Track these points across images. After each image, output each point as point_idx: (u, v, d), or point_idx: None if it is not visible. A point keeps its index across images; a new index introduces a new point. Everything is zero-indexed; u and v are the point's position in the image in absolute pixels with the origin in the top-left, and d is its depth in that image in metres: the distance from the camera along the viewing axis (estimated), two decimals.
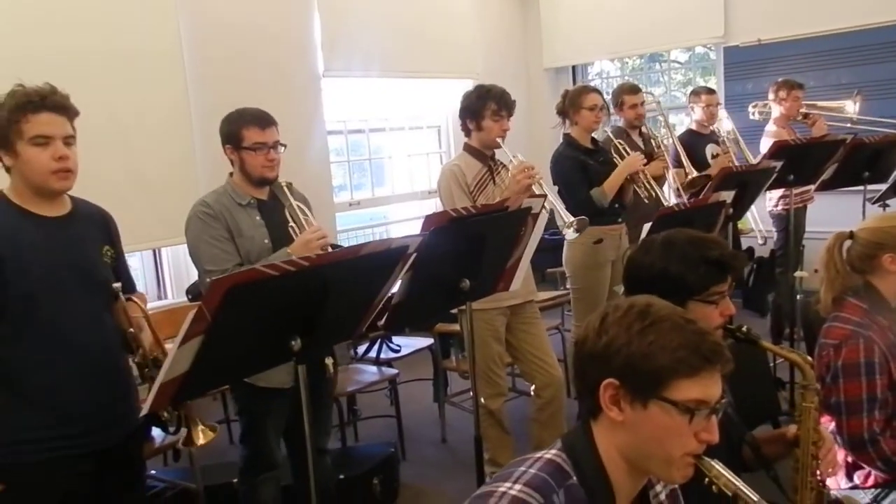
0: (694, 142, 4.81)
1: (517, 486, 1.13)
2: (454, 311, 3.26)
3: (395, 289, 2.01)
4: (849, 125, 4.89)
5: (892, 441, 2.00)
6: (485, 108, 3.19)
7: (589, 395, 1.18)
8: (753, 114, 5.21)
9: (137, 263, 4.52)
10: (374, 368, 4.01)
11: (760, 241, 5.03)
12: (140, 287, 3.78)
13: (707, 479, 1.16)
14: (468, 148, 3.30)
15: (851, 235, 2.16)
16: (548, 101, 6.77)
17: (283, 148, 2.47)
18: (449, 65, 6.25)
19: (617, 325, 1.15)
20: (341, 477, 3.08)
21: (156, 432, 2.74)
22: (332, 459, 2.86)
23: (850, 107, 4.86)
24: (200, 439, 2.01)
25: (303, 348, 1.64)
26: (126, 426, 2.07)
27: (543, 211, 2.40)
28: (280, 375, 2.30)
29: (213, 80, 4.43)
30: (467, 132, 3.31)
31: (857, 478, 2.09)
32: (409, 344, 4.22)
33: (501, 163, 3.37)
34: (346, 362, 3.96)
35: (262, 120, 2.44)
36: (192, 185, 4.14)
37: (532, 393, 3.37)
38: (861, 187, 4.24)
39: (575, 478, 1.17)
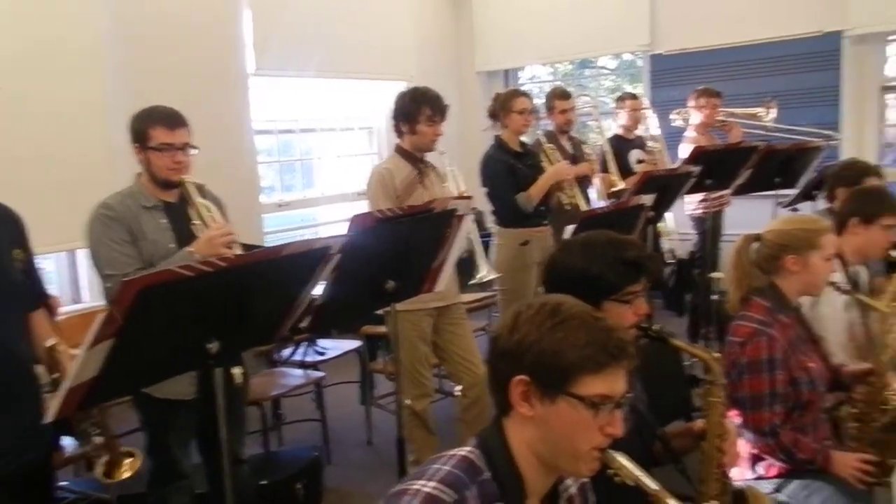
0: (619, 147, 4.96)
1: (431, 484, 1.15)
2: (381, 312, 3.27)
3: (319, 290, 2.00)
4: (762, 132, 5.10)
5: (791, 433, 2.11)
6: (419, 112, 3.19)
7: (501, 392, 1.21)
8: (675, 120, 5.40)
9: (52, 266, 4.34)
10: (299, 372, 3.97)
11: (667, 247, 5.20)
12: (55, 291, 3.64)
13: (611, 471, 1.20)
14: (400, 150, 3.31)
15: (758, 238, 2.26)
16: (480, 103, 6.83)
17: (194, 150, 2.36)
18: (382, 66, 6.24)
19: (529, 323, 1.19)
20: (263, 483, 3.04)
21: (67, 441, 2.63)
22: (253, 465, 2.82)
23: (765, 114, 5.08)
24: (126, 472, 1.94)
25: (220, 351, 1.61)
26: (35, 445, 1.94)
27: (468, 213, 2.42)
28: (180, 386, 2.23)
29: (134, 75, 4.27)
30: (400, 134, 3.32)
31: (761, 468, 2.18)
32: (336, 346, 4.19)
33: (431, 165, 3.39)
34: (257, 371, 3.88)
35: (172, 119, 2.33)
36: (109, 184, 3.93)
37: (458, 393, 3.40)
38: (773, 192, 4.46)
39: (488, 473, 1.20)
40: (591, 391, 1.15)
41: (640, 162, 5.01)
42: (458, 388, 3.40)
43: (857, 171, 3.34)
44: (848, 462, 2.14)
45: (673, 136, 5.30)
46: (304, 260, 1.77)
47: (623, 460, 1.18)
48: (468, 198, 2.44)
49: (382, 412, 4.20)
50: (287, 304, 1.83)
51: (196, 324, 1.58)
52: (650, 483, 1.16)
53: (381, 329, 3.87)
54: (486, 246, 4.08)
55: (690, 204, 5.04)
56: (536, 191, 3.77)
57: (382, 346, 4.17)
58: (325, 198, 6.30)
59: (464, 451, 1.23)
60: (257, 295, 1.63)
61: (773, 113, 5.06)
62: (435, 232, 2.32)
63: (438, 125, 3.25)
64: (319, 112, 6.19)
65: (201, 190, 2.40)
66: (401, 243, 2.17)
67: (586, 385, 1.15)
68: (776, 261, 2.19)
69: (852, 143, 5.43)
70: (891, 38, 5.64)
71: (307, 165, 6.47)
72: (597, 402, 1.14)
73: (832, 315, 2.64)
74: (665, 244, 5.62)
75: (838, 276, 2.49)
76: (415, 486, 1.15)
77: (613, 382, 1.16)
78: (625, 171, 4.79)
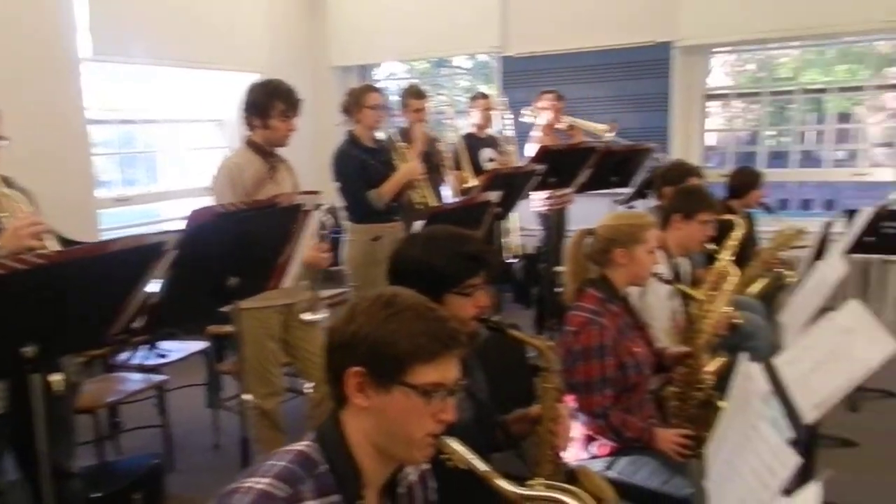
0: (472, 145, 5.10)
1: (265, 480, 1.13)
2: (227, 311, 3.17)
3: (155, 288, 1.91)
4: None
5: (619, 414, 2.27)
6: (272, 106, 3.09)
7: (337, 384, 1.22)
8: (525, 115, 5.59)
9: None
10: (138, 376, 3.75)
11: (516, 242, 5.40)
12: None
13: (444, 456, 1.24)
14: (251, 144, 3.19)
15: (591, 232, 2.41)
16: (334, 99, 6.68)
17: (4, 141, 2.17)
18: (232, 57, 6.02)
19: (364, 315, 1.20)
20: (97, 496, 2.84)
21: None
22: (85, 478, 2.64)
23: (607, 132, 5.34)
24: None
25: (38, 356, 1.49)
26: None
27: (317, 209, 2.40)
28: None
29: None
30: (251, 128, 3.20)
31: (594, 448, 2.33)
32: (179, 348, 4.01)
33: (282, 159, 3.32)
34: (90, 377, 3.64)
35: None
36: None
37: (308, 391, 3.36)
38: (611, 190, 4.76)
39: (325, 466, 1.20)
40: (425, 380, 1.18)
41: (490, 160, 5.17)
42: (309, 385, 3.36)
43: (681, 172, 3.64)
44: (669, 438, 2.33)
45: (525, 136, 5.51)
46: (135, 256, 1.68)
47: (455, 445, 1.22)
48: (315, 193, 2.40)
49: (231, 414, 4.06)
50: (116, 303, 1.73)
51: (8, 325, 1.45)
52: (481, 465, 1.21)
53: (228, 328, 3.75)
54: (337, 242, 4.08)
55: (536, 201, 5.27)
56: (388, 189, 3.79)
57: (230, 346, 4.03)
58: (171, 193, 6.00)
59: (300, 445, 1.23)
60: (81, 294, 1.52)
61: (613, 134, 5.31)
62: (280, 227, 2.27)
63: (292, 120, 3.17)
64: (165, 102, 5.89)
65: (8, 181, 2.20)
66: (243, 239, 2.11)
67: (419, 374, 1.18)
68: (606, 254, 2.35)
69: (680, 147, 5.90)
70: (715, 50, 6.19)
71: (151, 159, 6.13)
72: (430, 391, 1.18)
73: (657, 303, 2.86)
74: (513, 239, 5.87)
75: (662, 268, 2.70)
76: (247, 484, 1.13)
77: (446, 370, 1.20)
78: (477, 169, 4.93)
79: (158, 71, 5.64)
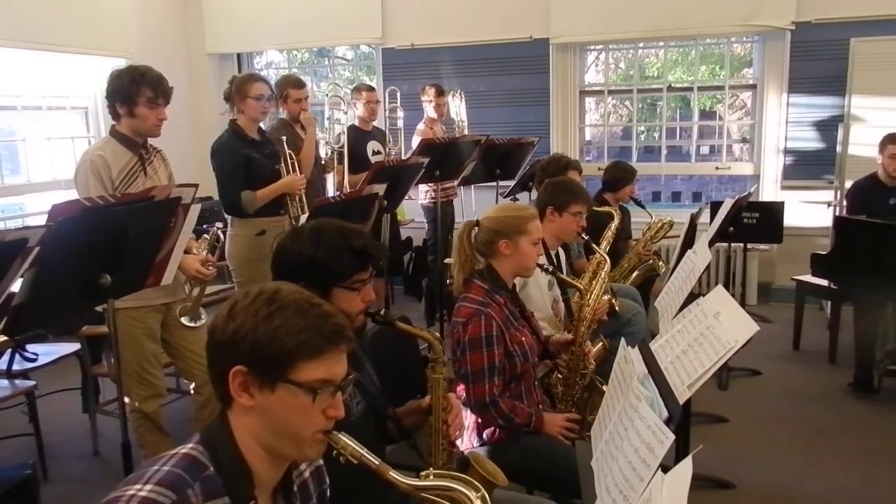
0: (356, 138, 5.02)
1: (147, 487, 1.08)
2: (101, 310, 3.00)
3: (16, 288, 1.77)
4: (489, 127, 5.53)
5: (508, 401, 2.33)
6: (139, 93, 2.90)
7: (221, 384, 1.18)
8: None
9: None
10: (4, 382, 3.48)
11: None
12: None
13: (335, 451, 1.22)
14: (116, 134, 2.98)
15: (477, 224, 2.45)
16: (212, 87, 6.54)
17: None
18: (97, 40, 5.68)
19: (245, 312, 1.16)
20: None
21: None
22: None
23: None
24: None
25: None
26: None
27: (195, 203, 2.30)
28: None
29: None
30: (116, 117, 3.00)
31: (486, 436, 2.38)
32: (50, 351, 3.75)
33: (156, 149, 3.14)
34: None
35: None
36: None
37: (192, 391, 3.23)
38: (496, 183, 4.86)
39: (212, 468, 1.16)
40: (310, 377, 1.15)
41: (375, 153, 5.14)
42: (193, 385, 3.23)
43: (560, 166, 3.76)
44: (556, 422, 2.41)
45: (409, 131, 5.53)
46: None
47: (346, 440, 1.21)
48: (194, 186, 2.30)
49: (110, 419, 3.85)
50: None
51: None
52: (372, 459, 1.21)
53: (102, 328, 3.54)
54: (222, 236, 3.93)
55: (422, 193, 5.30)
56: (263, 195, 3.66)
57: (106, 347, 3.80)
58: (33, 185, 5.58)
59: (186, 447, 1.18)
60: None
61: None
62: (156, 222, 2.16)
63: (161, 108, 2.99)
64: (22, 88, 5.45)
65: None
66: (116, 234, 1.99)
67: (304, 371, 1.15)
68: (491, 245, 2.40)
69: (560, 140, 6.11)
70: (588, 48, 6.44)
71: (11, 149, 5.67)
72: (316, 388, 1.15)
73: (538, 293, 2.96)
74: (402, 232, 5.89)
75: (543, 259, 2.78)
76: (130, 492, 1.07)
77: (332, 366, 1.18)
78: (362, 163, 4.87)
79: (11, 53, 5.21)
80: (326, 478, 1.42)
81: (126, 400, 3.20)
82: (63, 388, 4.05)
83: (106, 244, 1.97)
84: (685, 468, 1.32)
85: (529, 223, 2.40)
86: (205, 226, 3.32)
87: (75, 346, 3.79)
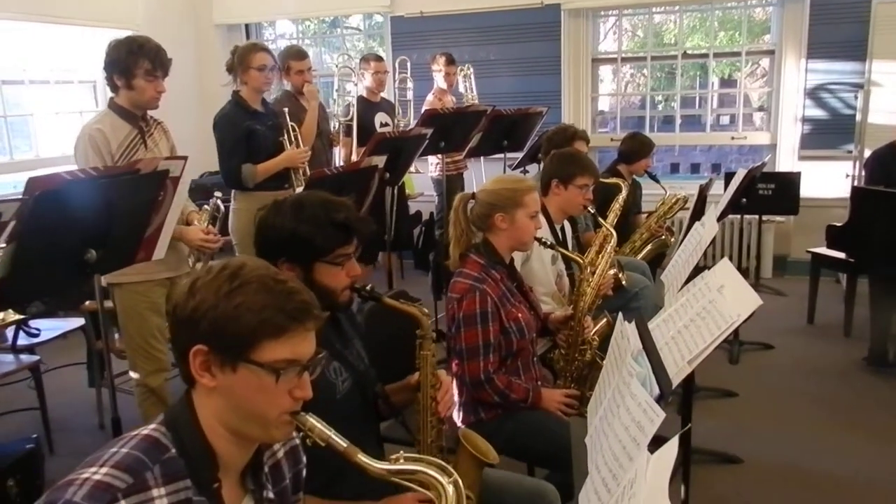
0: (365, 110, 4.95)
1: (103, 470, 1.05)
2: (105, 285, 2.99)
3: None
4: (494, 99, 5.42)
5: (504, 377, 2.28)
6: (136, 65, 2.85)
7: (184, 363, 1.14)
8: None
9: None
10: (9, 357, 3.51)
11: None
12: None
13: (301, 433, 1.18)
14: (115, 107, 2.94)
15: (473, 196, 2.38)
16: (220, 59, 6.36)
17: None
18: (103, 12, 5.62)
19: (206, 289, 1.11)
20: None
21: None
22: None
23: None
24: None
25: None
26: None
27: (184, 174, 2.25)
28: None
29: None
30: (114, 89, 2.95)
31: (482, 412, 2.34)
32: (53, 327, 3.77)
33: (156, 121, 3.10)
34: None
35: None
36: None
37: None
38: (504, 155, 4.77)
39: (174, 450, 1.12)
40: (273, 356, 1.11)
41: (384, 125, 5.06)
42: None
43: (566, 136, 3.67)
44: (554, 397, 2.37)
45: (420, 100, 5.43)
46: None
47: (313, 421, 1.16)
48: (183, 158, 2.25)
49: (116, 393, 3.87)
50: None
51: None
52: (340, 441, 1.16)
53: (107, 304, 3.54)
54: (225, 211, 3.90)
55: (431, 166, 5.23)
56: (264, 170, 3.62)
57: (108, 322, 3.80)
58: (41, 160, 5.57)
59: (148, 428, 1.14)
60: None
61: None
62: (143, 195, 2.12)
63: (160, 80, 2.93)
64: (29, 62, 5.43)
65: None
66: (100, 209, 1.95)
67: (268, 350, 1.10)
68: (488, 219, 2.33)
69: (571, 111, 5.98)
70: (602, 14, 6.28)
71: (17, 123, 5.66)
72: (279, 368, 1.11)
73: (540, 268, 2.90)
74: (412, 206, 5.83)
75: (543, 232, 2.71)
76: (84, 475, 1.04)
77: (297, 345, 1.13)
78: (369, 136, 4.78)
79: (17, 26, 5.18)
80: (303, 457, 1.38)
81: (132, 374, 3.22)
82: (69, 362, 4.06)
83: (90, 218, 1.94)
84: (669, 450, 1.26)
85: (526, 195, 2.33)
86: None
87: (80, 322, 3.80)
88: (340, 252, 1.70)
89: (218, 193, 3.20)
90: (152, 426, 1.15)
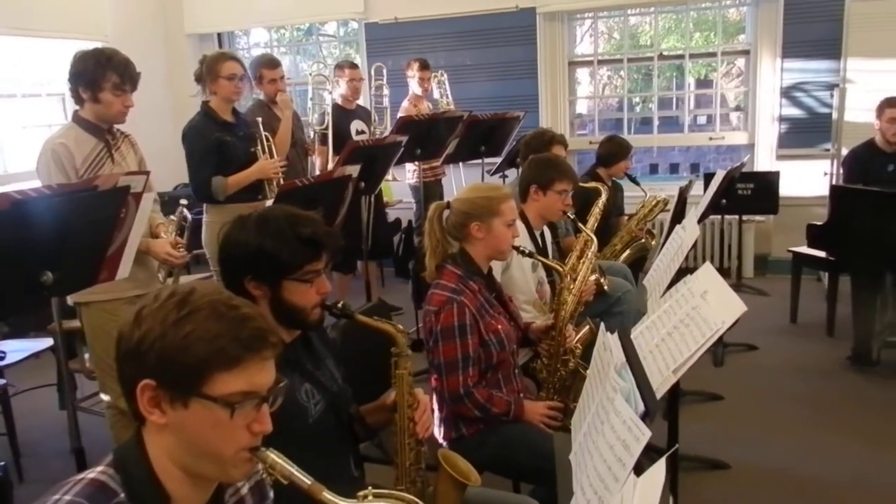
0: (339, 117, 4.87)
1: None
2: (71, 304, 2.90)
3: None
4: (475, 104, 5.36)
5: (484, 391, 2.21)
6: (104, 78, 2.75)
7: (132, 399, 1.05)
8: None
9: None
10: None
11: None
12: None
13: (262, 472, 1.10)
14: (79, 120, 2.84)
15: (448, 206, 2.31)
16: (191, 69, 6.23)
17: None
18: (71, 23, 5.51)
19: (152, 317, 1.03)
20: None
21: None
22: None
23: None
24: None
25: None
26: None
27: (148, 191, 2.16)
28: None
29: None
30: (79, 101, 2.85)
31: (463, 427, 2.27)
32: (20, 348, 3.64)
33: (123, 134, 3.00)
34: None
35: None
36: None
37: None
38: (482, 160, 4.71)
39: (122, 494, 1.03)
40: (226, 389, 1.02)
41: (360, 133, 4.99)
42: None
43: (544, 141, 3.62)
44: (537, 410, 2.30)
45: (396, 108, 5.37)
46: None
47: (275, 457, 1.07)
48: (145, 173, 2.16)
49: (89, 416, 3.75)
50: None
51: None
52: (304, 478, 1.08)
53: (75, 323, 3.43)
54: (198, 223, 3.80)
55: (409, 173, 5.16)
56: (235, 182, 3.51)
57: (79, 343, 3.69)
58: (10, 176, 5.43)
59: (94, 472, 1.06)
60: None
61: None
62: (104, 213, 2.03)
63: (128, 95, 2.84)
64: None
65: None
66: (56, 229, 1.85)
67: (220, 383, 1.02)
68: (463, 228, 2.26)
69: (549, 114, 5.94)
70: (577, 16, 6.25)
71: None
72: (234, 402, 1.02)
73: (521, 276, 2.83)
74: (391, 213, 5.76)
75: (523, 239, 2.65)
76: None
77: (253, 376, 1.04)
78: (345, 144, 4.71)
79: None
80: (270, 491, 1.29)
81: (102, 396, 3.11)
82: (40, 384, 3.94)
83: (45, 239, 1.84)
84: (657, 472, 1.20)
85: (502, 203, 2.26)
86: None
87: (49, 342, 3.68)
88: (309, 268, 1.63)
89: (184, 201, 3.10)
90: (99, 469, 1.06)
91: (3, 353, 3.52)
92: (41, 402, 3.98)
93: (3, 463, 3.23)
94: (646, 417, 1.47)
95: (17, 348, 3.65)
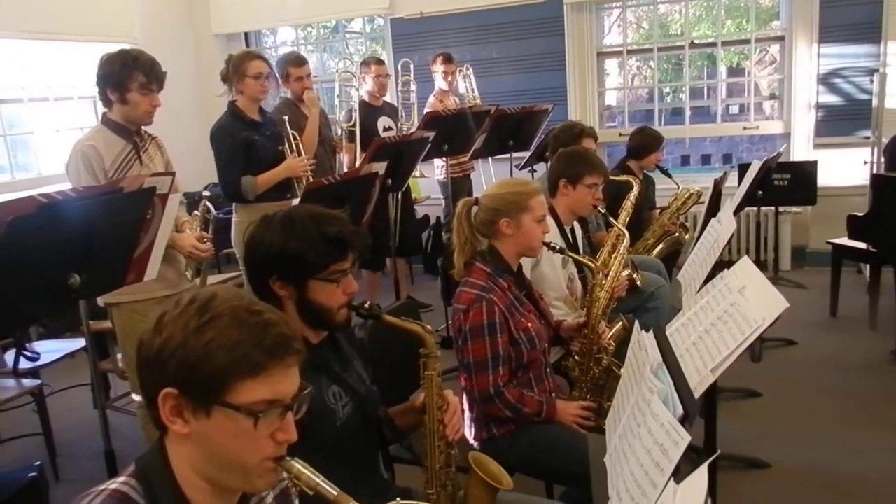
0: (366, 114, 4.84)
1: None
2: (102, 305, 2.91)
3: None
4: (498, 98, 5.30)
5: (515, 390, 2.16)
6: (131, 79, 2.77)
7: (154, 408, 1.03)
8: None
9: None
10: (10, 382, 3.42)
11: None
12: None
13: (286, 481, 1.07)
14: (108, 122, 2.86)
15: (477, 202, 2.27)
16: (219, 69, 6.37)
17: None
18: (100, 26, 5.57)
19: (173, 324, 1.00)
20: None
21: None
22: None
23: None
24: None
25: None
26: None
27: (174, 192, 2.15)
28: None
29: None
30: (107, 103, 2.87)
31: (494, 428, 2.22)
32: (54, 349, 3.69)
33: (151, 136, 3.02)
34: None
35: None
36: None
37: None
38: (511, 155, 4.65)
39: None
40: (250, 398, 0.99)
41: (387, 129, 4.95)
42: None
43: (573, 134, 3.55)
44: (570, 410, 2.25)
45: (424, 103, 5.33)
46: None
47: (300, 467, 1.04)
48: (171, 174, 2.15)
49: (122, 416, 3.78)
50: None
51: None
52: (330, 489, 1.04)
53: (106, 324, 3.45)
54: (227, 222, 3.81)
55: (437, 169, 5.12)
56: (264, 181, 3.52)
57: (111, 343, 3.72)
58: (44, 178, 5.51)
59: (117, 482, 1.03)
60: None
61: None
62: (130, 215, 2.02)
63: (155, 94, 2.85)
64: (28, 80, 5.37)
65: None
66: (82, 231, 1.85)
67: (243, 391, 0.99)
68: (492, 225, 2.22)
69: (578, 106, 5.85)
70: (606, 6, 6.14)
71: (18, 142, 5.60)
72: (258, 411, 0.99)
73: (551, 273, 2.77)
74: (419, 210, 5.72)
75: (553, 235, 2.59)
76: None
77: (278, 384, 1.01)
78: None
79: (18, 45, 5.12)
80: (295, 500, 1.26)
81: (134, 396, 3.13)
82: (75, 383, 3.99)
83: (71, 242, 1.83)
84: (699, 478, 1.15)
85: (531, 199, 2.21)
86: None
87: (83, 342, 3.72)
88: (335, 268, 1.60)
89: (206, 193, 3.11)
90: (121, 479, 1.04)
91: (38, 353, 3.57)
92: (77, 402, 4.03)
93: (38, 463, 3.27)
94: (685, 421, 1.41)
95: (52, 349, 3.70)
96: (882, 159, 4.66)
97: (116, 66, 2.79)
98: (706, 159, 17.32)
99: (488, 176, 5.55)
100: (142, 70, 2.79)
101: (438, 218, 5.55)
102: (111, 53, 2.85)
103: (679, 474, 1.20)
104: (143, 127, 2.95)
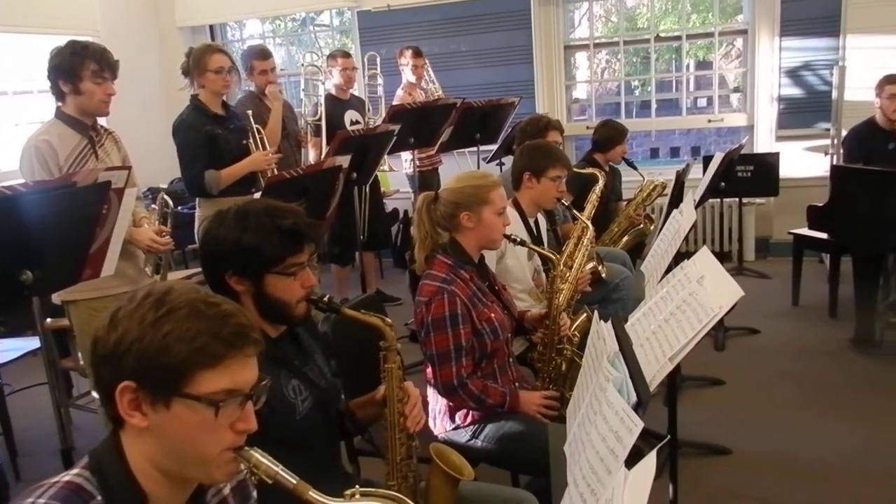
0: (333, 107, 4.81)
1: None
2: (58, 303, 2.86)
3: None
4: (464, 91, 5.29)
5: (478, 381, 2.17)
6: (82, 67, 2.71)
7: (110, 402, 1.02)
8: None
9: None
10: None
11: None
12: None
13: (245, 471, 1.07)
14: (62, 116, 2.79)
15: (437, 196, 2.27)
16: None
17: None
18: (60, 19, 5.44)
19: (129, 319, 1.00)
20: None
21: None
22: None
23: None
24: None
25: None
26: None
27: (131, 187, 2.12)
28: None
29: None
30: (60, 96, 2.80)
31: (458, 419, 2.23)
32: (16, 347, 3.61)
33: (107, 130, 2.96)
34: None
35: None
36: None
37: None
38: (477, 148, 4.66)
39: (99, 497, 1.01)
40: (210, 388, 1.00)
41: (354, 123, 4.93)
42: None
43: (539, 127, 3.56)
44: (533, 400, 2.26)
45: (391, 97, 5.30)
46: None
47: (259, 456, 1.05)
48: (127, 168, 2.12)
49: (86, 413, 3.73)
50: None
51: None
52: (289, 478, 1.05)
53: (63, 321, 3.39)
54: (191, 217, 3.77)
55: (405, 162, 5.11)
56: (228, 175, 3.47)
57: (71, 340, 3.66)
58: (4, 174, 5.38)
59: (70, 474, 1.03)
60: None
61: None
62: (85, 210, 1.98)
63: (109, 83, 2.79)
64: None
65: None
66: (35, 227, 1.81)
67: (204, 382, 1.00)
68: (453, 219, 2.22)
69: (545, 100, 5.87)
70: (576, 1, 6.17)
71: None
72: (218, 400, 1.00)
73: (516, 265, 2.79)
74: (388, 203, 5.71)
75: (516, 228, 2.60)
76: None
77: (237, 374, 1.02)
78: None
79: None
80: (253, 491, 1.26)
81: (94, 393, 3.08)
82: (37, 382, 3.91)
83: (22, 237, 1.80)
84: (648, 465, 1.17)
85: (491, 192, 2.21)
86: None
87: (35, 341, 3.65)
88: (291, 261, 1.59)
89: (164, 186, 3.07)
90: (74, 471, 1.04)
91: None
92: (38, 401, 3.95)
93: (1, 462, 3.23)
94: (638, 408, 1.43)
95: (12, 347, 3.62)
96: (841, 151, 4.75)
97: (66, 56, 2.73)
98: (675, 152, 17.49)
99: (456, 169, 5.54)
100: (93, 58, 2.73)
101: (407, 212, 5.55)
102: (61, 46, 2.78)
103: (639, 457, 1.21)
104: (102, 121, 2.89)
